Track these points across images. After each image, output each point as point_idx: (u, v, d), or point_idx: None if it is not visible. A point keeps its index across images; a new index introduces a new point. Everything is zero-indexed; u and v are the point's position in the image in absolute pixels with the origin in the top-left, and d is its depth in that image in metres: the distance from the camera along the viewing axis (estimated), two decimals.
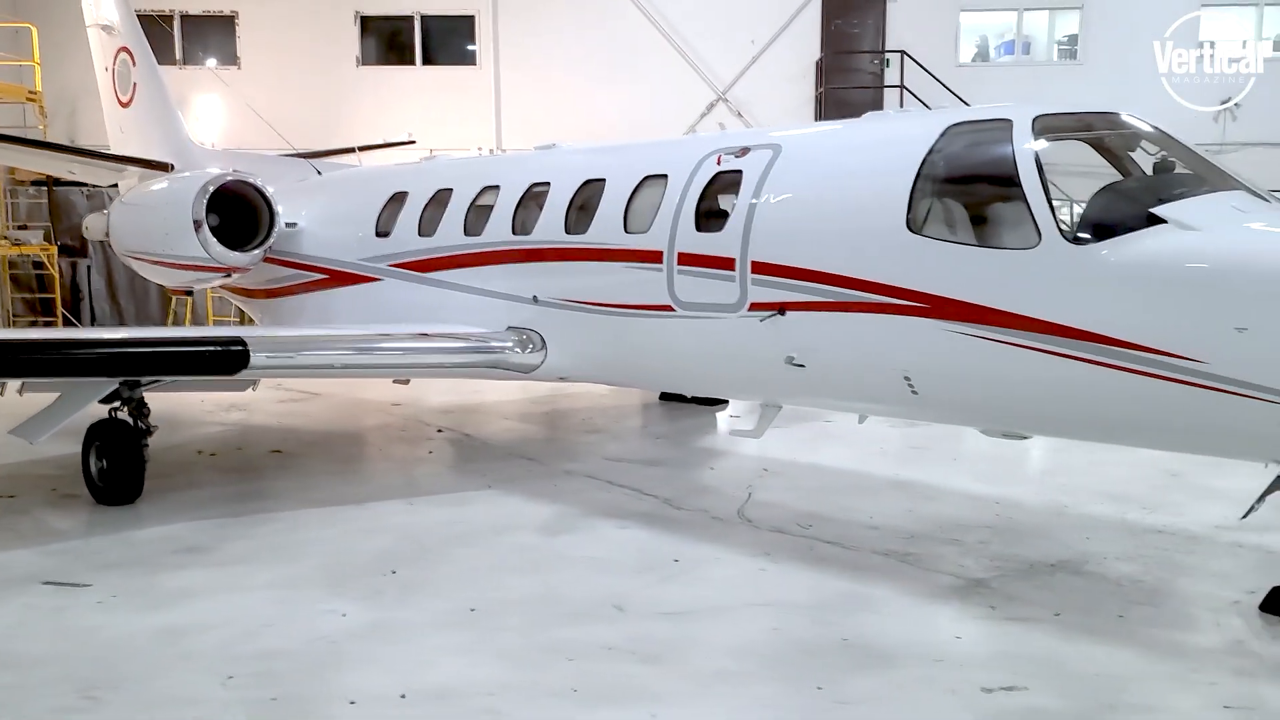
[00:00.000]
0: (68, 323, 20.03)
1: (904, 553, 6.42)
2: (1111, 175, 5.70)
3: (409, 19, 22.29)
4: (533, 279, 7.99)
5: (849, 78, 21.49)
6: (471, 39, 22.22)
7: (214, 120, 22.00)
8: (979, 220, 5.78)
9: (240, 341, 7.21)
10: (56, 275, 19.82)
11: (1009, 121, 5.66)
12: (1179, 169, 5.60)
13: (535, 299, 7.97)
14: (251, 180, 9.92)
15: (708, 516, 7.32)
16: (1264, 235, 4.86)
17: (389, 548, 6.62)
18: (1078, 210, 5.35)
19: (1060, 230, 5.18)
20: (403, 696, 4.40)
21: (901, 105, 20.65)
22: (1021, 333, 5.30)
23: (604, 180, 7.66)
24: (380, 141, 17.68)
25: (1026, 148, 5.44)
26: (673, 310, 6.98)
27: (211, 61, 22.47)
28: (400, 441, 10.39)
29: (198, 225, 9.44)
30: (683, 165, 7.15)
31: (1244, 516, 5.36)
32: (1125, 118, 5.89)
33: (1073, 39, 22.13)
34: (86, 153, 13.90)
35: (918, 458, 9.19)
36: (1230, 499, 6.94)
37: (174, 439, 10.37)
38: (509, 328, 8.13)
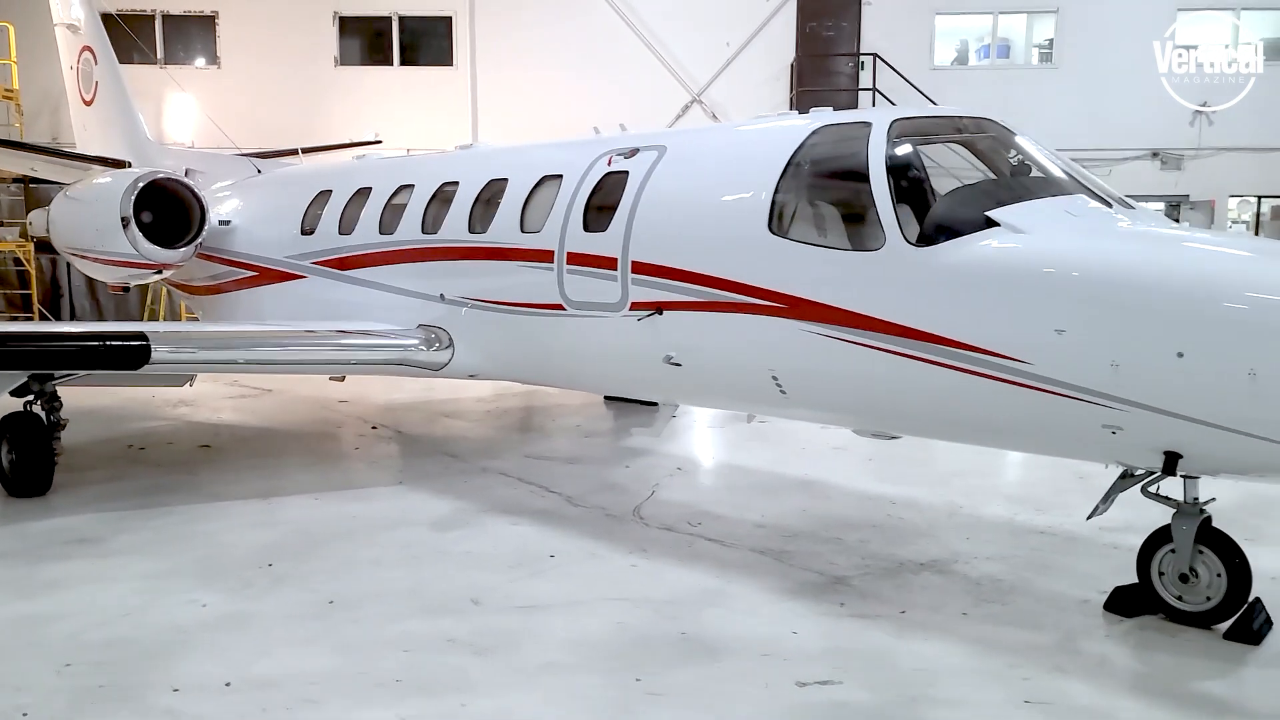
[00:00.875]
0: (44, 318, 20.25)
1: (780, 550, 6.49)
2: (968, 178, 5.77)
3: (387, 19, 22.45)
4: (440, 278, 8.09)
5: (824, 80, 21.55)
6: (449, 39, 22.36)
7: (194, 118, 22.19)
8: (833, 222, 5.87)
9: (142, 336, 7.32)
10: (33, 271, 20.00)
11: (868, 124, 5.73)
12: (1035, 173, 5.65)
13: (442, 297, 8.07)
14: (181, 178, 10.05)
15: (603, 514, 7.40)
16: (1083, 239, 4.92)
17: (276, 541, 6.72)
18: (923, 213, 5.41)
19: (902, 232, 5.26)
20: (227, 685, 4.49)
21: (874, 109, 20.74)
22: (869, 333, 5.38)
23: (506, 180, 7.76)
24: (346, 141, 17.88)
25: (878, 150, 5.52)
26: (564, 309, 7.08)
27: (201, 60, 22.69)
28: (332, 438, 10.51)
29: (125, 222, 9.56)
30: (577, 166, 7.25)
31: (1089, 517, 5.41)
32: (990, 121, 5.95)
33: (1052, 43, 22.15)
34: (42, 150, 14.08)
35: (834, 458, 9.23)
36: (1126, 502, 6.96)
37: (111, 432, 10.56)
38: (419, 325, 8.23)
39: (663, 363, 6.51)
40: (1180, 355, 4.40)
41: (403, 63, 22.66)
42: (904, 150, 5.60)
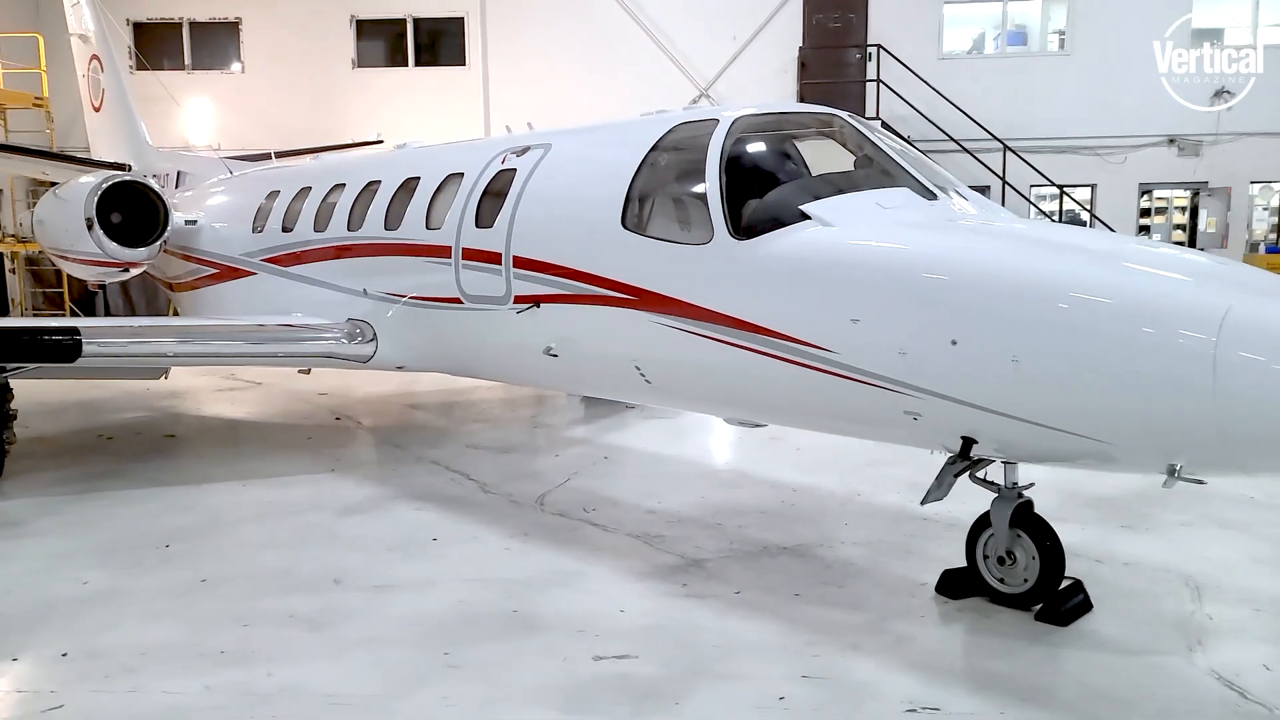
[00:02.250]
0: (74, 315, 21.15)
1: (655, 535, 6.66)
2: (805, 173, 5.90)
3: (402, 21, 22.99)
4: (363, 273, 8.42)
5: (832, 72, 21.53)
6: (461, 39, 22.85)
7: (216, 121, 23.02)
8: (674, 217, 6.02)
9: (75, 331, 7.73)
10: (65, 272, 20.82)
11: (715, 121, 5.89)
12: (874, 166, 5.74)
13: (365, 292, 8.39)
14: (144, 180, 10.53)
15: (507, 500, 7.63)
16: (882, 231, 5.02)
17: (186, 524, 7.08)
18: (749, 207, 5.54)
19: (728, 226, 5.42)
20: (64, 655, 4.81)
21: (879, 100, 20.74)
22: (705, 324, 5.54)
23: (419, 179, 8.04)
24: (349, 141, 18.43)
25: (716, 147, 5.67)
26: (461, 303, 7.34)
27: (235, 65, 23.38)
28: (293, 429, 10.87)
29: (90, 224, 10.05)
30: (476, 164, 7.50)
31: (923, 502, 5.47)
32: (836, 116, 6.04)
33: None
34: (42, 154, 14.73)
35: (766, 448, 9.33)
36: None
37: (90, 423, 11.12)
38: (348, 319, 8.55)
39: (543, 354, 6.74)
40: (954, 343, 4.51)
41: (417, 63, 23.21)
42: (742, 147, 5.75)
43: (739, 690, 4.39)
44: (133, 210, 10.65)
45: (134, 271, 11.07)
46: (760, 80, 21.96)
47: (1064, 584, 5.26)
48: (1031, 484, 5.29)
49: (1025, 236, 4.86)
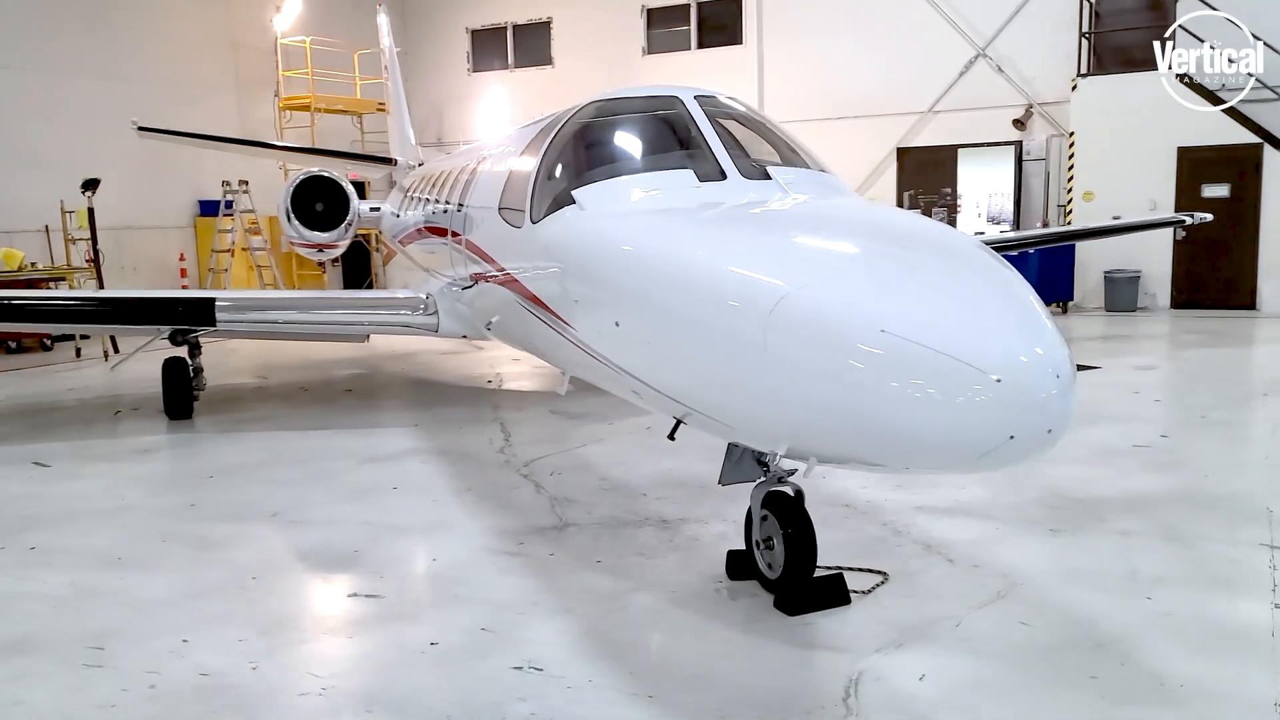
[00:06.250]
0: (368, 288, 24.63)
1: (570, 499, 7.02)
2: (634, 153, 5.94)
3: (685, 7, 24.07)
4: (426, 252, 9.53)
5: (1121, 19, 19.44)
6: (739, 19, 23.48)
7: (530, 113, 25.52)
8: (519, 203, 6.33)
9: (211, 301, 9.58)
10: (371, 249, 24.19)
11: (580, 107, 6.17)
12: (686, 146, 5.62)
13: (429, 270, 9.50)
14: (330, 175, 12.40)
15: (503, 461, 8.29)
16: (610, 216, 5.01)
17: (247, 460, 8.55)
18: (551, 191, 5.77)
19: (531, 209, 5.74)
20: (31, 548, 6.33)
21: (1171, 49, 18.36)
22: (527, 301, 5.93)
23: (463, 169, 8.96)
24: None
25: (560, 131, 5.97)
26: (457, 280, 8.18)
27: (547, 64, 25.78)
28: (447, 387, 12.19)
29: (288, 214, 12.10)
30: (474, 158, 8.27)
31: (720, 482, 5.39)
32: (676, 98, 5.85)
33: None
34: (322, 151, 17.52)
35: None
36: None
37: (307, 377, 13.29)
38: (426, 294, 9.71)
39: (486, 326, 7.40)
40: (617, 325, 4.58)
41: (699, 46, 24.18)
42: (582, 131, 5.97)
43: (409, 632, 4.83)
44: (331, 199, 12.60)
45: (331, 253, 13.07)
46: (1043, 35, 20.29)
47: (825, 574, 5.06)
48: (794, 470, 5.11)
49: (734, 219, 4.65)
